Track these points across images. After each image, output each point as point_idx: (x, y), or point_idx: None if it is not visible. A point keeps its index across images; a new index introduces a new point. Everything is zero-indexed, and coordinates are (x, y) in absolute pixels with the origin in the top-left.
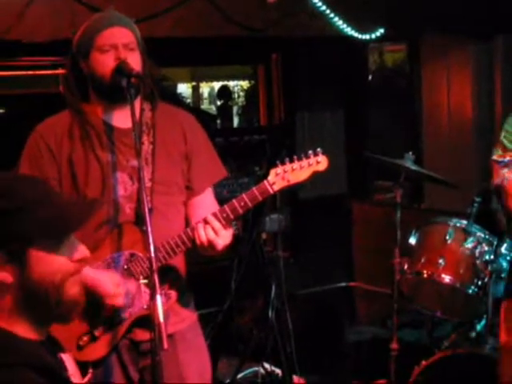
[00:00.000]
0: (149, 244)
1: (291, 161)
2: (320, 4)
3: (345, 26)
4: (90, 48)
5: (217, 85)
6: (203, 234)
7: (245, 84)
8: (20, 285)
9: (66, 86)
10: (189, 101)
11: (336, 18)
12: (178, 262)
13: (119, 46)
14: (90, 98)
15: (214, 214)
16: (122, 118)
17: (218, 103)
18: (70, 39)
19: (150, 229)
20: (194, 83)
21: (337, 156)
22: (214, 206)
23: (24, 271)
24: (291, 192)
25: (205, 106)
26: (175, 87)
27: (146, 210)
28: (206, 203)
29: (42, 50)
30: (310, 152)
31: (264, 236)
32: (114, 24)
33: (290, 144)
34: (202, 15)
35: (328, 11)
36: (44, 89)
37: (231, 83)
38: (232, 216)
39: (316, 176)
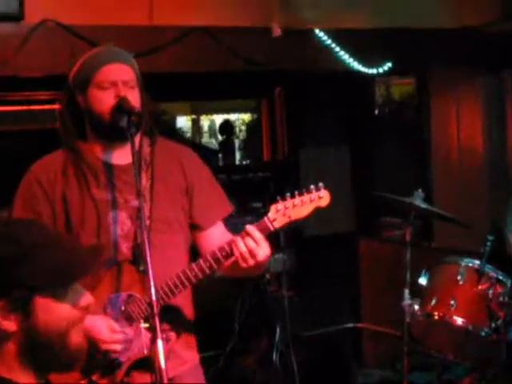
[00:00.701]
0: (148, 286)
1: (292, 196)
2: (326, 38)
3: (351, 60)
4: (87, 83)
5: (217, 118)
6: (242, 245)
7: (246, 117)
8: (24, 333)
9: (61, 122)
10: (188, 135)
11: (342, 53)
12: (182, 301)
13: (119, 83)
14: (86, 135)
15: (257, 225)
16: (120, 156)
17: (220, 138)
18: (67, 74)
19: (150, 270)
20: (193, 116)
21: (343, 192)
22: (227, 236)
23: (28, 319)
24: (296, 230)
25: (205, 139)
26: (174, 121)
27: (147, 250)
28: (218, 233)
29: (39, 85)
30: (312, 187)
31: (268, 276)
32: (114, 60)
33: (294, 180)
34: (204, 50)
35: (334, 45)
36: (40, 125)
37: (232, 116)
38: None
39: (322, 212)
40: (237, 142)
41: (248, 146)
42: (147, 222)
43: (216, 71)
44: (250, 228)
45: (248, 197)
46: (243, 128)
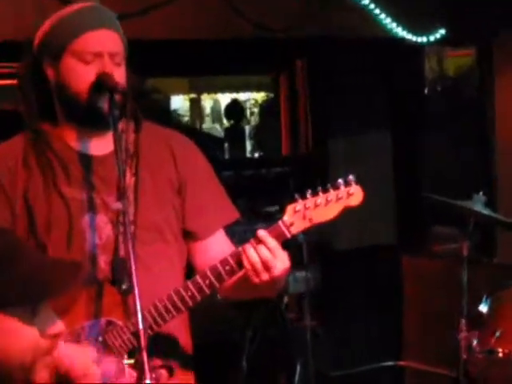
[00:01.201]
0: (133, 310)
1: (314, 193)
2: None
3: (394, 25)
4: (61, 51)
5: (223, 97)
6: (254, 254)
7: (260, 97)
8: None
9: (21, 97)
10: (186, 119)
11: (382, 15)
12: (176, 329)
13: (105, 55)
14: (55, 116)
15: (270, 231)
16: (98, 145)
17: (226, 123)
18: (32, 38)
19: (136, 290)
20: (192, 95)
21: (382, 195)
22: (230, 248)
23: None
24: (322, 242)
25: (207, 125)
26: (168, 101)
27: (132, 264)
28: (218, 245)
29: None
30: (340, 181)
31: (286, 299)
32: (100, 24)
33: (321, 178)
34: (207, 11)
35: (372, 5)
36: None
37: (242, 96)
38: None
39: (354, 219)
40: (247, 129)
41: (261, 133)
42: (131, 229)
43: (221, 39)
44: (262, 233)
45: (261, 199)
46: (255, 110)
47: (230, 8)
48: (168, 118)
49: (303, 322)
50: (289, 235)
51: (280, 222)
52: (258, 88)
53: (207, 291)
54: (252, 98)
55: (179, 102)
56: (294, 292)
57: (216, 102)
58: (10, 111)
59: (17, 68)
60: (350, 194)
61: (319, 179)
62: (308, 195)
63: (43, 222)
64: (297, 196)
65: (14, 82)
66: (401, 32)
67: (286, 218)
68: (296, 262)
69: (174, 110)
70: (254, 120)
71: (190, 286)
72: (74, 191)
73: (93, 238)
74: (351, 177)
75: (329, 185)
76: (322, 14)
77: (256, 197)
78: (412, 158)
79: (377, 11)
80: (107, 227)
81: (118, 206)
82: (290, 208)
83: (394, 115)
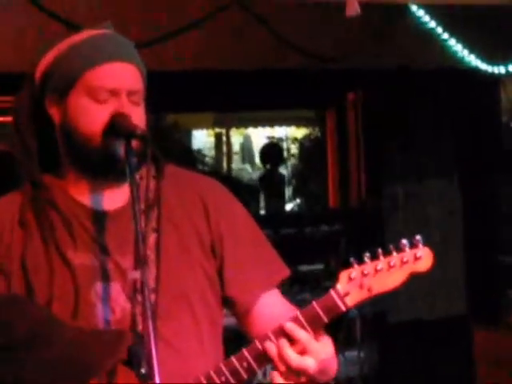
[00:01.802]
0: None
1: (374, 257)
2: (427, 18)
3: (466, 53)
4: (70, 85)
5: (253, 132)
6: (279, 360)
7: (300, 133)
8: None
9: (19, 143)
10: (208, 159)
11: (452, 41)
12: None
13: (122, 94)
14: (59, 166)
15: (294, 319)
16: (112, 198)
17: (259, 165)
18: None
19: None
20: (218, 130)
21: (450, 254)
22: (286, 308)
23: None
24: (377, 314)
25: (235, 165)
26: (189, 137)
27: (152, 344)
28: (271, 307)
29: None
30: (404, 242)
31: None
32: (119, 57)
33: (379, 239)
34: (241, 36)
35: (439, 29)
36: None
37: (277, 131)
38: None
39: (416, 288)
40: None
41: (301, 178)
42: (152, 299)
43: (260, 69)
44: (290, 326)
45: (306, 263)
46: (295, 151)
47: (273, 34)
48: (190, 159)
49: None
50: (343, 308)
51: (332, 292)
52: (297, 122)
53: (244, 376)
54: (290, 135)
55: (202, 138)
56: (346, 376)
57: (246, 138)
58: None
59: (12, 104)
60: (417, 258)
61: (376, 235)
62: (366, 259)
63: (43, 294)
64: (352, 260)
65: (5, 119)
66: (474, 62)
67: (340, 286)
68: (347, 340)
69: (198, 151)
70: (292, 162)
71: (223, 369)
72: (81, 256)
73: (105, 313)
74: (418, 237)
75: (391, 246)
76: (380, 41)
77: (300, 260)
78: (487, 210)
79: (444, 35)
80: (121, 298)
81: (135, 274)
82: (343, 275)
83: (462, 158)
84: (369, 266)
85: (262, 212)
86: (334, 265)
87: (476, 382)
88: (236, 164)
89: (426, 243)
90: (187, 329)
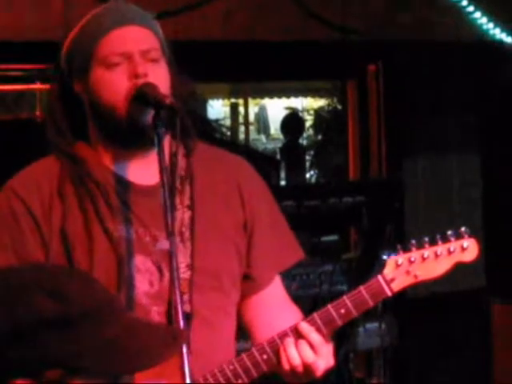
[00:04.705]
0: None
1: (420, 245)
2: None
3: (490, 25)
4: (88, 61)
5: (269, 103)
6: (296, 356)
7: (317, 104)
8: None
9: (50, 119)
10: (225, 129)
11: (476, 14)
12: None
13: (135, 54)
14: (89, 137)
15: (310, 321)
16: (141, 171)
17: (276, 136)
18: (57, 42)
19: (186, 361)
20: (233, 100)
21: (471, 229)
22: (288, 305)
23: None
24: None
25: (251, 137)
26: (205, 107)
27: (180, 318)
28: (275, 300)
29: (10, 55)
30: (450, 233)
31: (352, 357)
32: (124, 21)
33: (399, 211)
34: (266, 7)
35: (465, 3)
36: (12, 113)
37: (294, 102)
38: (325, 330)
39: None
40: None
41: (320, 151)
42: (187, 275)
43: (282, 41)
44: (305, 328)
45: (327, 235)
46: (310, 121)
47: (295, 4)
48: (207, 129)
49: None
50: (389, 293)
51: (379, 277)
52: (314, 93)
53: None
54: (307, 105)
55: (217, 108)
56: (364, 348)
57: (262, 109)
58: (25, 121)
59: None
60: (463, 249)
61: (396, 207)
62: (412, 247)
63: (84, 265)
64: (399, 247)
65: (28, 86)
66: (499, 34)
67: (387, 271)
68: (367, 313)
69: (216, 121)
70: (309, 133)
71: (245, 359)
72: (120, 228)
73: (141, 286)
74: (464, 229)
75: (437, 236)
76: (403, 14)
77: (321, 233)
78: (508, 185)
79: (470, 8)
80: (157, 273)
81: (164, 245)
82: (390, 261)
83: (485, 134)
84: (415, 253)
85: (284, 183)
86: (354, 237)
87: (492, 357)
88: (251, 134)
89: (442, 219)
90: (218, 302)
